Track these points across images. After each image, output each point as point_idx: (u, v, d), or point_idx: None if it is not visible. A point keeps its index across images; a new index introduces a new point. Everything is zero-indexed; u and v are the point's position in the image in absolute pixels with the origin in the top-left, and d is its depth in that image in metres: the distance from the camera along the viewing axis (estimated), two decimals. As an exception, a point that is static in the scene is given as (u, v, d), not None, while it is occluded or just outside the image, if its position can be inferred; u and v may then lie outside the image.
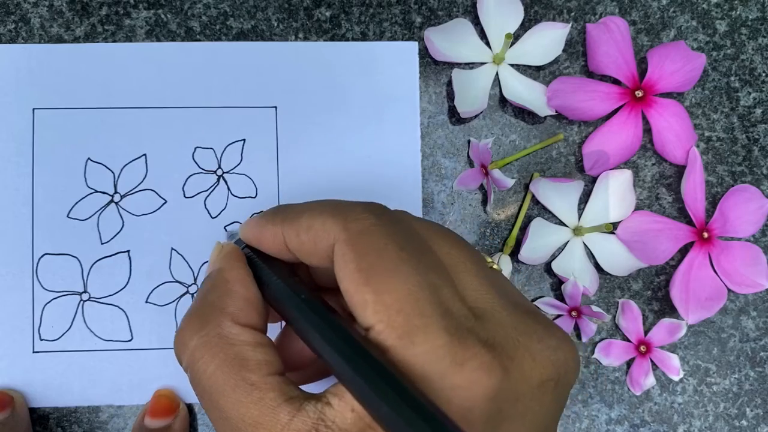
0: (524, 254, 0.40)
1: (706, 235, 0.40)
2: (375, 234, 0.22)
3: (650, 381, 0.40)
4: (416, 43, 0.41)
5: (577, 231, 0.41)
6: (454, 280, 0.22)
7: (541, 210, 0.41)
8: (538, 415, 0.22)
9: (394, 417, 0.19)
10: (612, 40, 0.40)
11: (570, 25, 0.41)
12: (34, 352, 0.38)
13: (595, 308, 0.39)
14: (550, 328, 0.23)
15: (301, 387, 0.22)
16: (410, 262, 0.21)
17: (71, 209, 0.39)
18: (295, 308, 0.23)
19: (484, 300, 0.23)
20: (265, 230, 0.25)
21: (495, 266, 0.27)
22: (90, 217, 0.39)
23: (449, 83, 0.41)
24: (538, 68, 0.41)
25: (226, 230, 0.38)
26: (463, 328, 0.21)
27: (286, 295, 0.24)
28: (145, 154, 0.39)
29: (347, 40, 0.41)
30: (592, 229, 0.40)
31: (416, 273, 0.21)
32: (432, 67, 0.41)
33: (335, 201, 0.24)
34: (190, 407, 0.39)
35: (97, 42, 0.40)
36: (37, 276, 0.39)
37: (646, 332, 0.41)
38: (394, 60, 0.41)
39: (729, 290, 0.40)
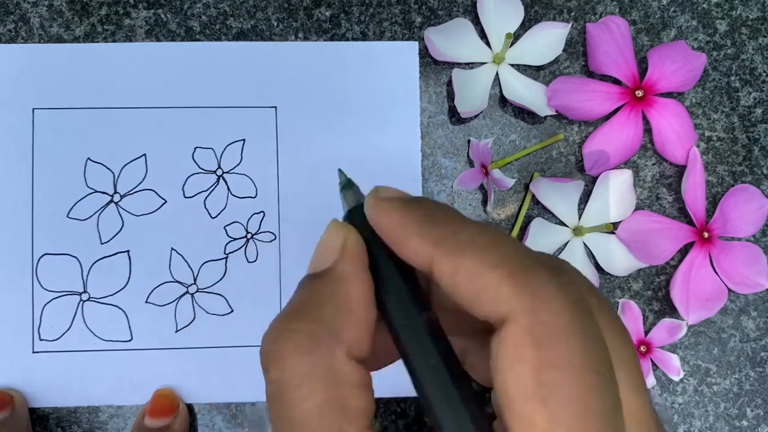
0: (524, 254, 0.40)
1: (706, 235, 0.40)
2: (571, 338, 0.17)
3: (650, 381, 0.40)
4: (416, 42, 0.41)
5: (578, 231, 0.41)
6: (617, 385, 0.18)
7: (541, 210, 0.41)
8: None
9: None
10: (612, 40, 0.40)
11: (570, 24, 0.41)
12: (33, 352, 0.38)
13: (595, 308, 0.39)
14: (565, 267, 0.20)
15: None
16: (604, 400, 0.17)
17: (71, 209, 0.39)
18: (413, 338, 0.19)
19: (638, 418, 0.19)
20: (409, 241, 0.19)
21: None
22: (90, 217, 0.39)
23: (449, 83, 0.41)
24: (538, 68, 0.41)
25: (339, 174, 0.25)
26: None
27: (411, 329, 0.19)
28: (144, 154, 0.39)
29: (347, 40, 0.41)
30: (592, 229, 0.40)
31: (603, 399, 0.17)
32: (432, 66, 0.41)
33: (515, 248, 0.19)
34: (190, 407, 0.39)
35: (97, 42, 0.40)
36: (36, 276, 0.39)
37: (646, 332, 0.41)
38: (394, 60, 0.41)
39: (729, 290, 0.40)
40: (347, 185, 0.23)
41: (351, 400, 0.19)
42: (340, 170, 0.24)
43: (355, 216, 0.21)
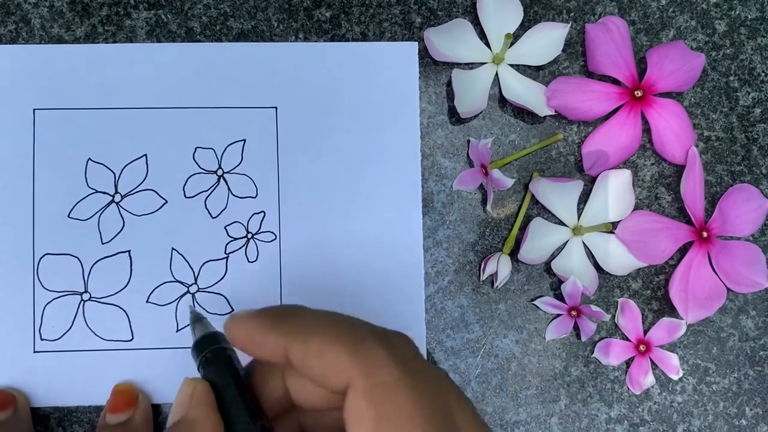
0: (524, 254, 0.40)
1: (705, 234, 0.40)
2: (399, 392, 0.20)
3: (650, 380, 0.41)
4: (416, 43, 0.41)
5: (577, 231, 0.41)
6: None
7: (540, 210, 0.41)
8: None
9: None
10: (611, 40, 0.40)
11: (569, 25, 0.41)
12: (34, 351, 0.38)
13: (594, 308, 0.39)
14: None
15: None
16: None
17: (72, 209, 0.39)
18: None
19: None
20: (266, 339, 0.22)
21: None
22: (91, 217, 0.39)
23: (449, 83, 0.41)
24: (538, 68, 0.42)
25: (190, 310, 0.31)
26: None
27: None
28: (145, 155, 0.40)
29: (347, 40, 0.41)
30: (591, 229, 0.41)
31: None
32: (432, 67, 0.41)
33: (350, 324, 0.22)
34: (155, 406, 0.39)
35: (98, 42, 0.40)
36: (37, 276, 0.39)
37: (645, 331, 0.41)
38: (394, 60, 0.41)
39: (728, 289, 0.40)
40: (197, 319, 0.26)
41: None
42: (190, 306, 0.30)
43: (203, 343, 0.25)
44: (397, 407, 0.20)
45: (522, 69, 0.41)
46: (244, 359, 0.25)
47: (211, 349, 0.25)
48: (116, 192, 0.39)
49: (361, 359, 0.20)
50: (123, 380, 0.38)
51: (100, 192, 0.39)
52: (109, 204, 0.39)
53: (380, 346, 0.21)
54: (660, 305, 0.42)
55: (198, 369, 0.26)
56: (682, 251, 0.41)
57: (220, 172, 0.40)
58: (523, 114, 0.41)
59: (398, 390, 0.20)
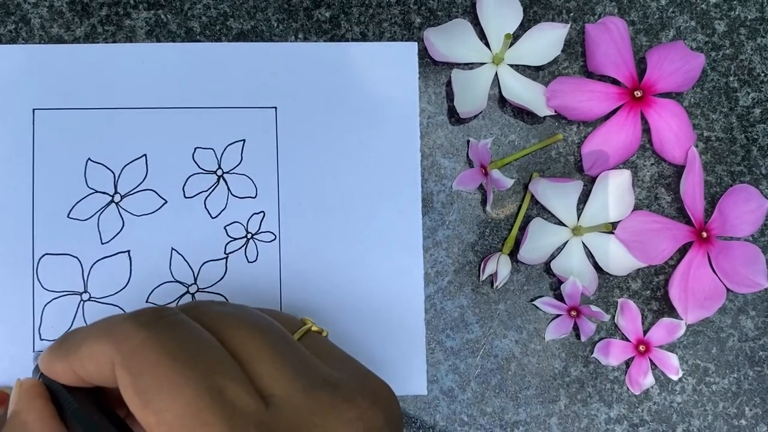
0: (523, 254, 0.40)
1: (704, 234, 0.40)
2: (147, 350, 0.22)
3: (649, 380, 0.41)
4: (416, 43, 0.41)
5: (577, 231, 0.41)
6: (247, 371, 0.22)
7: (540, 210, 0.41)
8: None
9: None
10: (611, 41, 0.40)
11: (569, 25, 0.41)
12: (34, 351, 0.38)
13: (594, 308, 0.39)
14: (352, 398, 0.23)
15: None
16: (186, 373, 0.21)
17: (71, 209, 0.39)
18: None
19: (280, 385, 0.22)
20: (55, 367, 0.25)
21: (315, 329, 0.27)
22: (90, 217, 0.39)
23: (448, 83, 0.41)
24: (538, 68, 0.42)
25: (33, 353, 0.37)
26: (251, 423, 0.21)
27: (85, 426, 0.24)
28: (145, 155, 0.40)
29: (347, 40, 0.41)
30: (591, 229, 0.41)
31: (194, 382, 0.21)
32: (431, 67, 0.41)
33: (110, 319, 0.24)
34: None
35: (97, 42, 0.40)
36: (37, 276, 0.39)
37: (645, 332, 0.41)
38: (394, 60, 0.41)
39: (728, 290, 0.40)
40: (36, 357, 0.28)
41: None
42: (33, 351, 0.34)
43: (41, 374, 0.27)
44: (146, 363, 0.21)
45: (522, 69, 0.41)
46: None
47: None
48: (116, 192, 0.39)
49: (113, 338, 0.22)
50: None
51: (100, 192, 0.39)
52: (108, 204, 0.39)
53: (128, 320, 0.23)
54: (660, 305, 0.42)
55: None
56: (682, 251, 0.41)
57: (219, 172, 0.40)
58: (522, 114, 0.41)
59: (145, 348, 0.22)
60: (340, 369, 0.24)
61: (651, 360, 0.41)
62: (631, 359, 0.41)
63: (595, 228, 0.40)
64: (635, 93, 0.40)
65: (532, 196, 0.41)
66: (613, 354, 0.41)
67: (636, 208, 0.41)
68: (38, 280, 0.39)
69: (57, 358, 0.25)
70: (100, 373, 0.23)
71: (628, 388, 0.41)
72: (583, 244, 0.41)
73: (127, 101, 0.40)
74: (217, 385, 0.21)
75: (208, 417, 0.20)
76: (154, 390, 0.21)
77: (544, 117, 0.41)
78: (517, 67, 0.41)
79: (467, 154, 0.41)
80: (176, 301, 0.39)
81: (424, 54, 0.41)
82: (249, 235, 0.40)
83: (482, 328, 0.41)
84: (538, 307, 0.41)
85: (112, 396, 0.26)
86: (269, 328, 0.24)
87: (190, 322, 0.23)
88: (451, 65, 0.41)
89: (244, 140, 0.40)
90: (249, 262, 0.40)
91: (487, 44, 0.41)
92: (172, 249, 0.39)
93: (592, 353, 0.41)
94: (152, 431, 0.21)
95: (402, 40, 0.41)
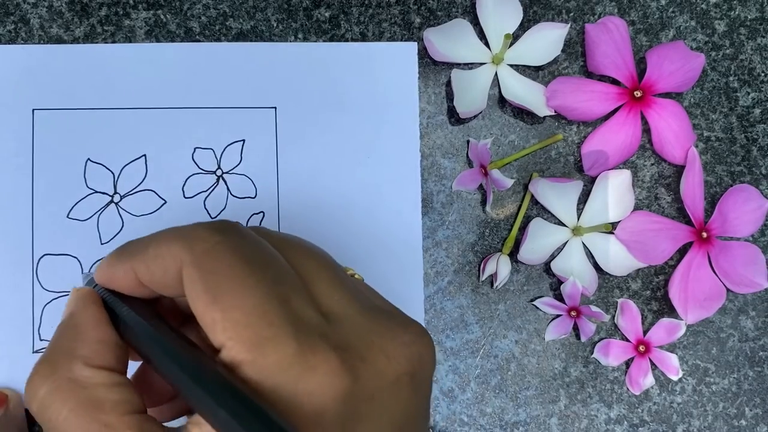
0: (523, 254, 0.40)
1: (705, 234, 0.40)
2: (220, 252, 0.22)
3: (649, 381, 0.41)
4: (415, 43, 0.41)
5: (577, 231, 0.41)
6: (308, 289, 0.23)
7: (540, 210, 0.41)
8: (395, 410, 0.22)
9: None
10: (611, 41, 0.40)
11: (569, 25, 0.41)
12: (33, 352, 0.38)
13: (594, 308, 0.39)
14: (406, 325, 0.24)
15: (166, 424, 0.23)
16: (257, 276, 0.22)
17: (71, 210, 0.39)
18: (149, 343, 0.23)
19: (339, 305, 0.23)
20: (116, 270, 0.25)
21: (356, 275, 0.28)
22: (90, 217, 0.39)
23: (448, 83, 0.41)
24: (537, 68, 0.42)
25: (83, 273, 0.34)
26: (314, 334, 0.21)
27: (140, 331, 0.23)
28: (144, 155, 0.40)
29: (346, 40, 0.41)
30: (591, 229, 0.40)
31: (264, 286, 0.22)
32: (431, 67, 0.41)
33: (181, 227, 0.24)
34: None
35: (97, 42, 0.40)
36: (37, 276, 0.39)
37: (645, 332, 0.41)
38: (394, 60, 0.41)
39: (728, 290, 0.40)
40: (87, 275, 0.28)
41: (103, 395, 0.22)
42: (82, 271, 0.31)
43: (93, 285, 0.27)
44: (219, 262, 0.22)
45: (521, 69, 0.41)
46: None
47: (90, 281, 0.27)
48: (115, 192, 0.39)
49: (185, 240, 0.23)
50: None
51: (100, 192, 0.39)
52: (108, 204, 0.39)
53: (201, 226, 0.23)
54: (659, 306, 0.42)
55: None
56: (682, 252, 0.41)
57: (219, 173, 0.40)
58: (522, 114, 0.41)
59: (219, 249, 0.22)
60: (386, 304, 0.25)
61: (651, 360, 0.41)
62: (631, 359, 0.41)
63: (595, 228, 0.40)
64: (635, 93, 0.40)
65: (532, 196, 0.41)
66: (613, 354, 0.41)
67: (636, 208, 0.41)
68: (38, 280, 0.39)
69: (119, 261, 0.24)
70: (165, 274, 0.23)
71: (628, 389, 0.41)
72: (583, 244, 0.41)
73: (127, 101, 0.39)
74: (284, 294, 0.22)
75: (274, 319, 0.21)
76: (224, 288, 0.21)
77: (544, 117, 0.41)
78: (516, 67, 0.41)
79: (467, 154, 0.41)
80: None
81: (423, 54, 0.41)
82: (249, 236, 0.40)
83: (482, 329, 0.41)
84: (538, 308, 0.41)
85: (163, 310, 0.26)
86: (327, 255, 0.25)
87: (263, 237, 0.24)
88: (451, 65, 0.41)
89: (243, 140, 0.40)
90: (249, 262, 0.40)
91: (486, 44, 0.41)
92: (172, 249, 0.39)
93: (592, 353, 0.41)
94: (214, 329, 0.21)
95: (402, 40, 0.41)
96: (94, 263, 0.38)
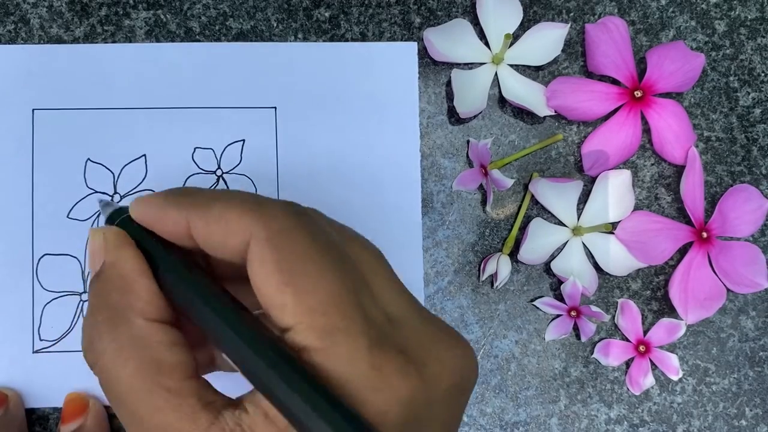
0: (523, 254, 0.40)
1: (705, 234, 0.40)
2: (296, 234, 0.22)
3: (649, 381, 0.41)
4: (415, 43, 0.41)
5: (577, 231, 0.41)
6: (369, 285, 0.22)
7: (540, 210, 0.41)
8: (445, 419, 0.22)
9: (312, 420, 0.19)
10: (611, 41, 0.40)
11: (569, 25, 0.41)
12: (33, 352, 0.38)
13: (594, 308, 0.39)
14: (456, 337, 0.24)
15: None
16: (333, 265, 0.21)
17: (71, 209, 0.39)
18: (203, 303, 0.22)
19: (398, 306, 0.23)
20: (167, 213, 0.23)
21: None
22: (90, 217, 0.39)
23: (448, 83, 0.41)
24: (537, 68, 0.42)
25: (100, 202, 0.28)
26: (382, 332, 0.21)
27: (191, 288, 0.22)
28: (144, 155, 0.40)
29: (346, 40, 0.41)
30: (591, 229, 0.40)
31: (339, 276, 0.21)
32: (431, 67, 0.41)
33: (249, 194, 0.23)
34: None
35: (97, 42, 0.40)
36: (37, 276, 0.39)
37: (645, 332, 0.41)
38: (394, 60, 0.41)
39: (728, 290, 0.40)
40: (107, 204, 0.26)
41: (164, 356, 0.21)
42: (100, 200, 0.28)
43: (115, 217, 0.24)
44: (296, 245, 0.21)
45: (522, 69, 0.41)
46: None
47: (121, 218, 0.25)
48: (115, 192, 0.39)
49: (260, 214, 0.22)
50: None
51: (99, 192, 0.39)
52: (108, 204, 0.39)
53: (279, 205, 0.23)
54: (660, 306, 0.42)
55: None
56: (682, 252, 0.41)
57: (219, 173, 0.40)
58: (522, 114, 0.41)
59: (296, 232, 0.21)
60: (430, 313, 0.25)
61: (651, 360, 0.41)
62: (631, 359, 0.41)
63: (595, 228, 0.40)
64: (635, 93, 0.40)
65: (532, 196, 0.41)
66: (613, 354, 0.41)
67: (636, 208, 0.41)
68: (38, 280, 0.39)
69: (175, 207, 0.23)
70: (226, 238, 0.22)
71: (628, 389, 0.41)
72: (583, 244, 0.41)
73: (127, 101, 0.39)
74: (355, 287, 0.21)
75: (348, 311, 0.21)
76: (301, 272, 0.21)
77: (544, 117, 0.41)
78: (517, 67, 0.41)
79: (467, 154, 0.41)
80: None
81: (423, 54, 0.41)
82: (249, 236, 0.40)
83: (482, 329, 0.41)
84: (538, 308, 0.41)
85: (193, 262, 0.25)
86: (381, 253, 0.24)
87: (328, 225, 0.24)
88: (451, 65, 0.41)
89: (243, 140, 0.40)
90: (249, 262, 0.40)
91: (487, 44, 0.41)
92: (172, 249, 0.39)
93: (592, 353, 0.41)
94: (283, 310, 0.21)
95: (402, 40, 0.41)
96: (106, 201, 0.31)
